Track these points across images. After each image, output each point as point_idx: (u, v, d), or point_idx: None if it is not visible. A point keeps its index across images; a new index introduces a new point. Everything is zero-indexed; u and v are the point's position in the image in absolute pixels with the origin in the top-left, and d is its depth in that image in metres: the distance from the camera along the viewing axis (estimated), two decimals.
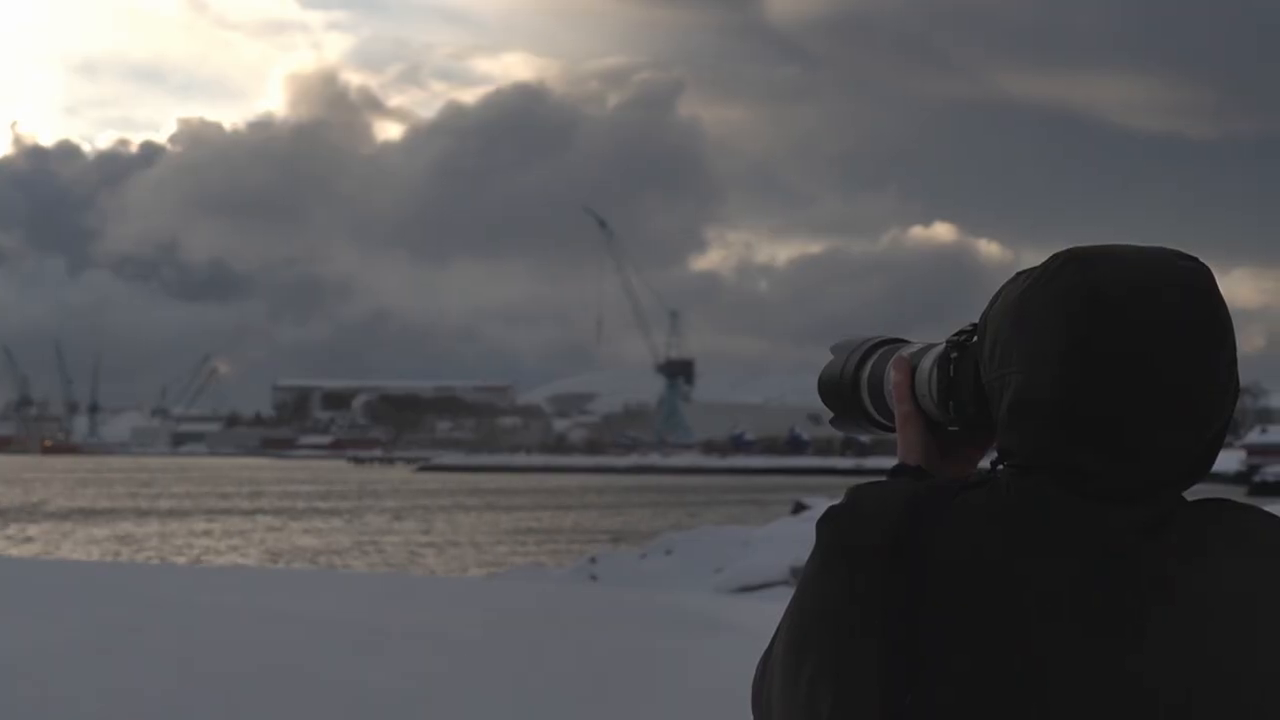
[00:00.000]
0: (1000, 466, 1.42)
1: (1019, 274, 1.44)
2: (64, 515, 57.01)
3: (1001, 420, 1.40)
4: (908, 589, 1.32)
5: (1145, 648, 1.30)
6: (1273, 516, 1.39)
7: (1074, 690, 1.29)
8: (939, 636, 1.31)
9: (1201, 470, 1.38)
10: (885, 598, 1.33)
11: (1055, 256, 1.40)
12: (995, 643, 1.30)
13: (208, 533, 48.90)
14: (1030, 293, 1.39)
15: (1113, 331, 1.32)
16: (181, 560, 36.06)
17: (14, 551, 37.17)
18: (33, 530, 48.21)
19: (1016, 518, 1.34)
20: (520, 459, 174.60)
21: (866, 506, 1.40)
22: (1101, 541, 1.33)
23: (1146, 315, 1.32)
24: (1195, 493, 1.41)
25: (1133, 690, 1.29)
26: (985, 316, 1.46)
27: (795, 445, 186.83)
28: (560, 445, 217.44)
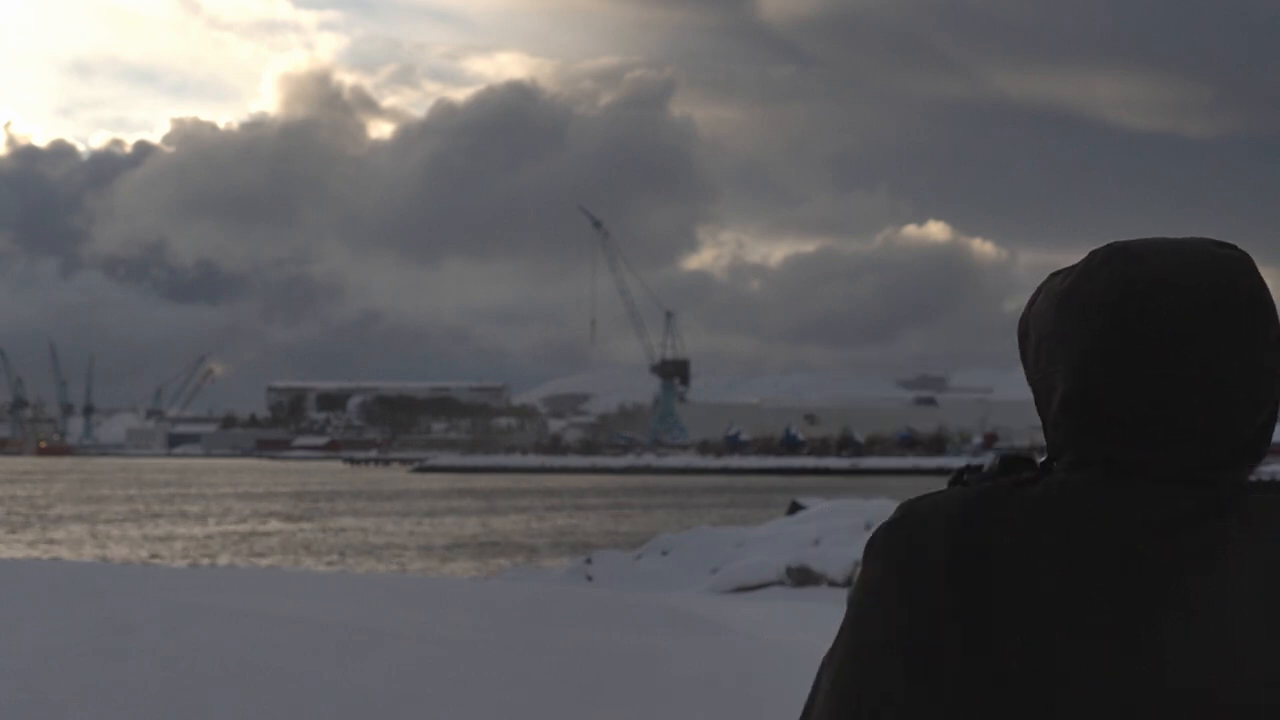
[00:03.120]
0: (1053, 464, 1.43)
1: (1054, 274, 1.46)
2: None
3: (1051, 419, 1.42)
4: (962, 601, 1.33)
5: (1164, 640, 1.30)
6: None
7: (1120, 691, 1.30)
8: (1005, 644, 1.31)
9: (1256, 454, 1.38)
10: (951, 612, 1.33)
11: (1095, 252, 1.42)
12: (1045, 647, 1.31)
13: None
14: (1073, 289, 1.41)
15: (1157, 321, 1.34)
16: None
17: None
18: None
19: (1072, 514, 1.35)
20: (515, 459, 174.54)
21: (919, 521, 1.41)
22: (1154, 531, 1.34)
23: (1189, 303, 1.35)
24: None
25: (1163, 688, 1.30)
26: (1026, 319, 1.47)
27: (790, 445, 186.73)
28: (555, 446, 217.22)
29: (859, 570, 1.44)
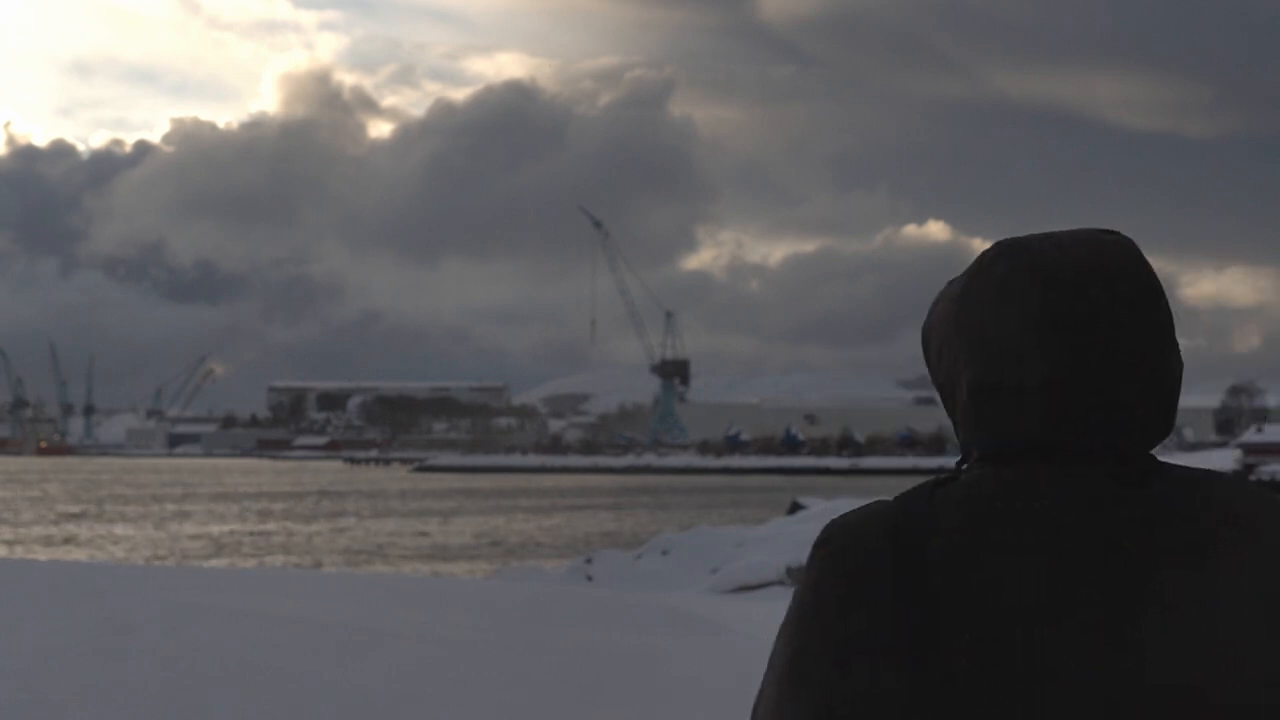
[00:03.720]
0: (964, 465, 1.45)
1: (951, 281, 1.50)
2: None
3: (961, 417, 1.44)
4: (907, 603, 1.33)
5: (1142, 636, 1.30)
6: (1263, 496, 1.38)
7: (1073, 684, 1.29)
8: (943, 643, 1.31)
9: (1160, 431, 1.40)
10: (899, 616, 1.34)
11: (985, 251, 1.47)
12: (992, 643, 1.30)
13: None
14: (969, 288, 1.44)
15: (1053, 306, 1.38)
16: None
17: None
18: None
19: (993, 507, 1.36)
20: (516, 459, 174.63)
21: (851, 532, 1.41)
22: (1078, 517, 1.34)
23: (1082, 288, 1.38)
24: None
25: (1131, 683, 1.29)
26: (927, 327, 1.51)
27: (791, 445, 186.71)
28: (556, 446, 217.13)
29: (796, 589, 1.43)
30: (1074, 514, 1.34)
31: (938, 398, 1.51)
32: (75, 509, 63.23)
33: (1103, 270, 1.39)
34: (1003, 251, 1.44)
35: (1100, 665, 1.29)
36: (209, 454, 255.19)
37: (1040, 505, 1.35)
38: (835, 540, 1.41)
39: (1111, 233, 1.45)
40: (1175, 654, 1.28)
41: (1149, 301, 1.39)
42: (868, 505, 1.44)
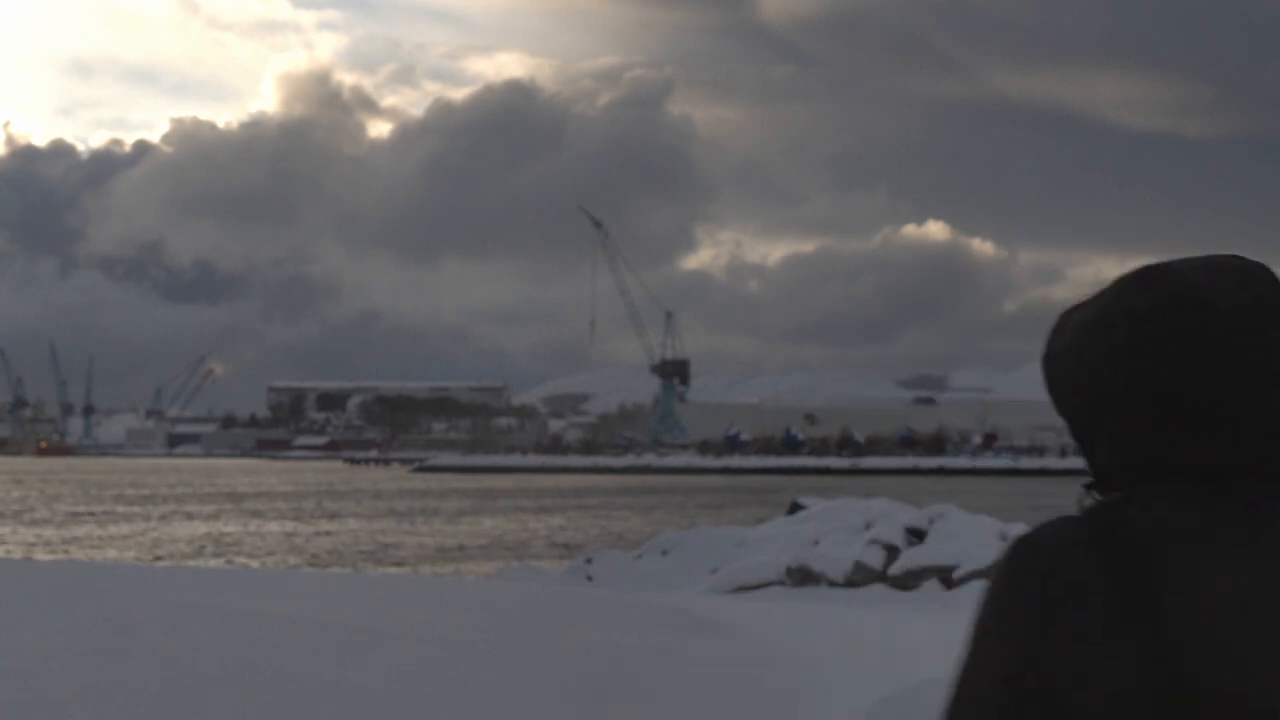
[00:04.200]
0: (1100, 486, 1.49)
1: (1070, 310, 1.54)
2: None
3: (1106, 439, 1.47)
4: (1133, 614, 1.36)
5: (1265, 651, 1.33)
6: None
7: (1221, 700, 1.32)
8: (1191, 655, 1.33)
9: None
10: (1109, 631, 1.36)
11: (1124, 277, 1.51)
12: (1232, 651, 1.32)
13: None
14: (1108, 314, 1.48)
15: (1191, 332, 1.42)
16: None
17: None
18: None
19: (1158, 527, 1.39)
20: (516, 459, 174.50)
21: (1048, 555, 1.42)
22: (1218, 536, 1.38)
23: (1237, 307, 1.43)
24: None
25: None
26: (1050, 356, 1.54)
27: (791, 445, 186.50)
28: (556, 446, 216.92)
29: (984, 603, 1.44)
30: (1214, 533, 1.38)
31: (1066, 421, 1.52)
32: (75, 509, 63.22)
33: (1236, 295, 1.43)
34: (1146, 274, 1.48)
35: (1238, 678, 1.32)
36: (209, 454, 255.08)
37: (1190, 525, 1.39)
38: (1032, 562, 1.42)
39: (1239, 258, 1.49)
40: None
41: (1264, 321, 1.43)
42: (1057, 524, 1.45)
